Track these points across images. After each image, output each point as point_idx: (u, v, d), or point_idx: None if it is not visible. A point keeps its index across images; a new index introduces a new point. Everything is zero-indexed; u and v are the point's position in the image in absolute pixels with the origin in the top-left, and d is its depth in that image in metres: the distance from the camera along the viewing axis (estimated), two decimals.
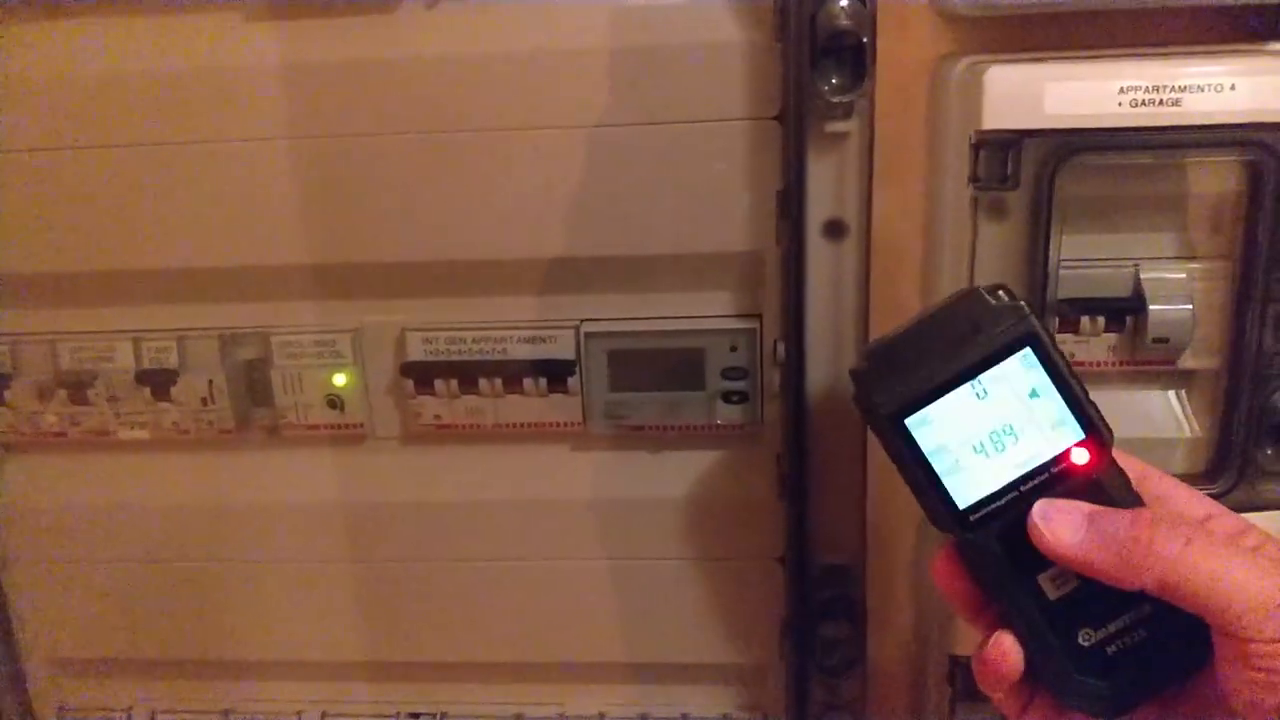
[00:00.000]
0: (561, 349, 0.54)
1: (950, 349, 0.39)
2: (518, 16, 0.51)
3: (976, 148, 0.52)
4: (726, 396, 0.55)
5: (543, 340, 0.54)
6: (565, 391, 0.55)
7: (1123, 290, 0.55)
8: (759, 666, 0.59)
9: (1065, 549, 0.37)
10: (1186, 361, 0.56)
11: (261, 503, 0.60)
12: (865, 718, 0.56)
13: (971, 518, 0.39)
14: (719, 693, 0.61)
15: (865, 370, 0.40)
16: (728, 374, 0.54)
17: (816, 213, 0.50)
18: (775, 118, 0.50)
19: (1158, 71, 0.49)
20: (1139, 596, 0.37)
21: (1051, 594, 0.39)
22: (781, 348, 0.52)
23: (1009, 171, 0.52)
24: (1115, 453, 0.40)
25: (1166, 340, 0.55)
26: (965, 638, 0.59)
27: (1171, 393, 0.57)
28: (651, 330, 0.55)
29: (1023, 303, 0.40)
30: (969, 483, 0.39)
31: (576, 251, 0.54)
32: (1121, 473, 0.40)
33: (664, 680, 0.61)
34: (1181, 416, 0.57)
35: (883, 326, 0.62)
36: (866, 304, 0.51)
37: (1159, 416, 0.57)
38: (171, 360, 0.57)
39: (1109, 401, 0.57)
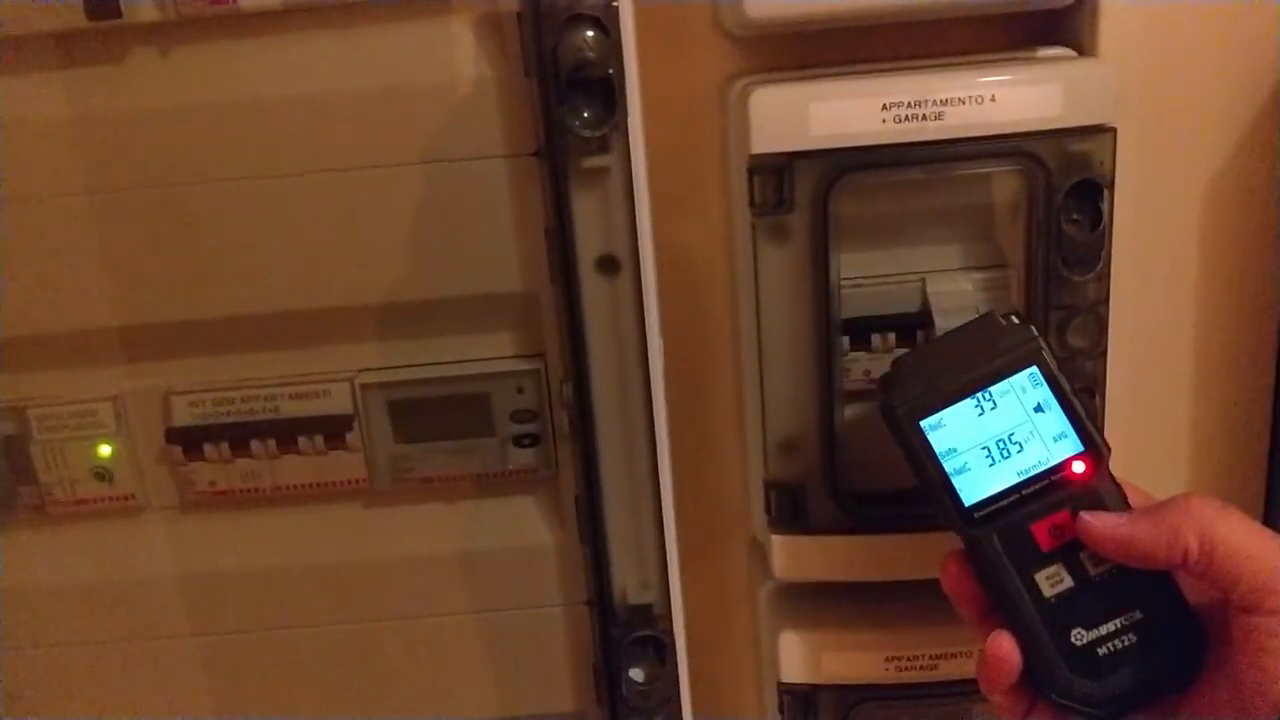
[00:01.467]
0: (337, 403, 0.52)
1: (966, 363, 0.44)
2: (270, 62, 0.49)
3: (750, 172, 0.51)
4: (518, 440, 0.53)
5: (316, 395, 0.52)
6: (345, 447, 0.52)
7: (910, 305, 0.55)
8: (579, 713, 0.58)
9: (1111, 526, 0.40)
10: None
11: (33, 584, 0.56)
12: None
13: (976, 514, 0.43)
14: None
15: (890, 378, 0.45)
16: (516, 417, 0.53)
17: (587, 249, 0.48)
18: (535, 154, 0.49)
19: (919, 86, 0.49)
20: (1134, 601, 0.41)
21: (1047, 591, 0.42)
22: (567, 387, 0.51)
23: (784, 195, 0.51)
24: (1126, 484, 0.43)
25: None
26: (792, 664, 0.58)
27: None
28: (433, 377, 0.52)
29: (1032, 328, 0.45)
30: (976, 483, 0.43)
31: (348, 300, 0.52)
32: (1118, 487, 0.43)
33: None
34: None
35: (697, 353, 0.61)
36: (645, 337, 0.49)
37: None
38: None
39: None
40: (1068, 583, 0.42)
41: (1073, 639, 0.41)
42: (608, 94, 0.46)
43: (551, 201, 0.48)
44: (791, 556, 0.56)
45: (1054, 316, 0.52)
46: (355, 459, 0.52)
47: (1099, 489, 0.42)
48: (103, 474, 0.53)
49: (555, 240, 0.48)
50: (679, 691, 0.54)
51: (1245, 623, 0.37)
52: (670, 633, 0.53)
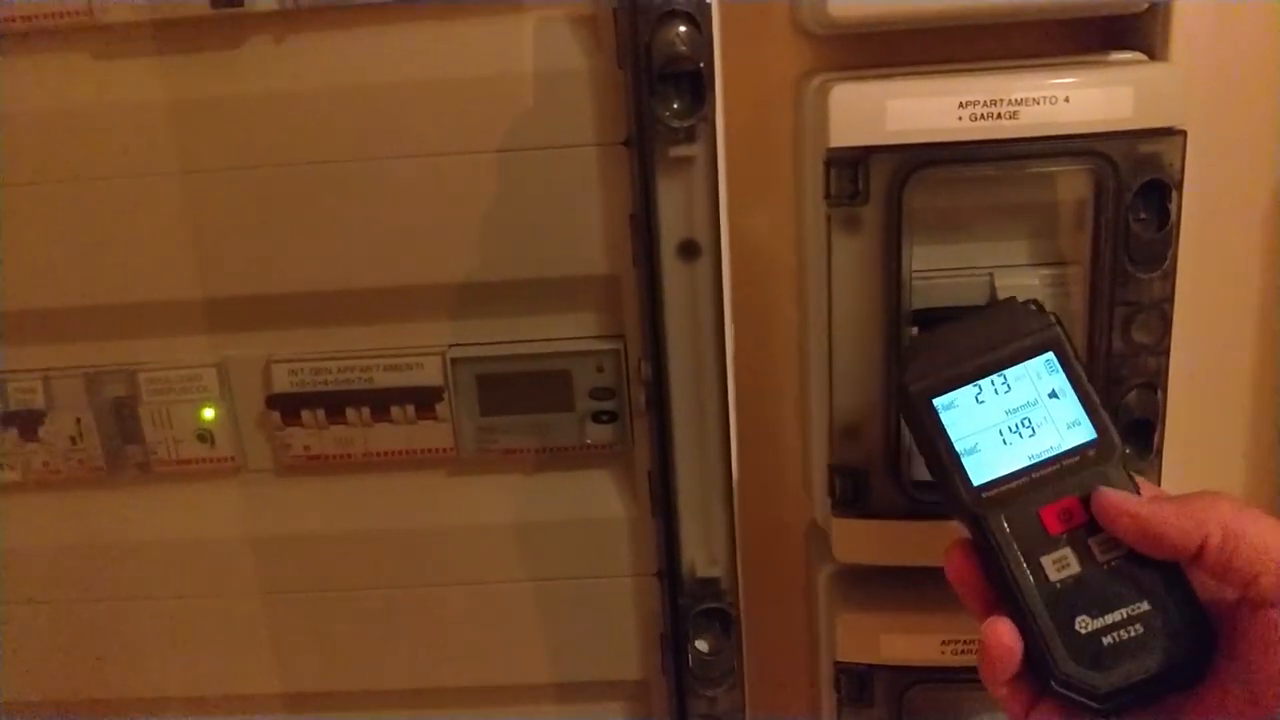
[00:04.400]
0: (429, 375, 0.55)
1: (983, 346, 0.44)
2: (375, 50, 0.52)
3: (828, 164, 0.53)
4: (596, 416, 0.55)
5: (409, 367, 0.55)
6: (434, 418, 0.55)
7: (978, 299, 0.56)
8: (644, 681, 0.60)
9: (1136, 505, 0.40)
10: None
11: (138, 539, 0.59)
12: None
13: (985, 495, 0.42)
14: (607, 709, 0.61)
15: (906, 356, 0.45)
16: (595, 394, 0.55)
17: (669, 234, 0.51)
18: (623, 143, 0.51)
19: (995, 86, 0.51)
20: (1142, 592, 0.40)
21: (1053, 575, 0.41)
22: (645, 366, 0.53)
23: (859, 187, 0.53)
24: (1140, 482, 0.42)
25: None
26: (849, 644, 0.60)
27: None
28: (518, 354, 0.55)
29: (1052, 315, 0.44)
30: (986, 463, 0.42)
31: (440, 278, 0.54)
32: (1130, 477, 0.42)
33: (553, 700, 0.62)
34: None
35: (760, 339, 0.63)
36: (722, 320, 0.51)
37: None
38: (38, 401, 0.56)
39: None
40: (1074, 568, 0.41)
41: (1077, 626, 0.40)
42: (696, 87, 0.48)
43: (638, 188, 0.50)
44: (852, 539, 0.58)
45: (1119, 312, 0.54)
46: (443, 429, 0.55)
47: (1111, 477, 0.42)
48: (205, 436, 0.56)
49: (640, 225, 0.51)
50: (740, 665, 0.56)
51: (1265, 617, 0.36)
52: (736, 606, 0.55)
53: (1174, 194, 0.52)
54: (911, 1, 0.50)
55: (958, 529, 0.45)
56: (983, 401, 0.43)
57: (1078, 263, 0.55)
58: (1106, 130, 0.51)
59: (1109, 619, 0.40)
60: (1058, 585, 0.41)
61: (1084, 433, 0.42)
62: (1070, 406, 0.43)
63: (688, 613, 0.55)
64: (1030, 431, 0.43)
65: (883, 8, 0.50)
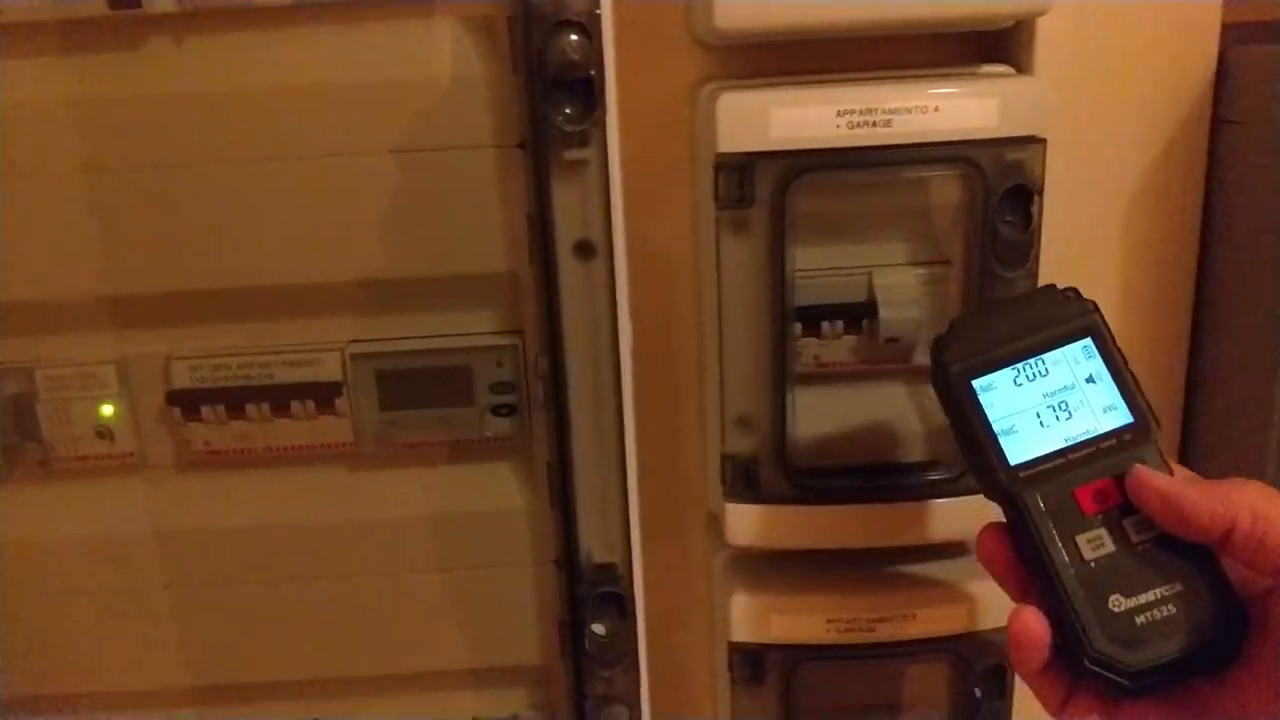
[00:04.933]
0: (328, 371, 0.56)
1: (1022, 330, 0.44)
2: (275, 52, 0.53)
3: (716, 170, 0.56)
4: (495, 410, 0.57)
5: (309, 363, 0.56)
6: (334, 413, 0.56)
7: (858, 296, 0.60)
8: (544, 665, 0.62)
9: (1168, 484, 0.40)
10: (921, 358, 0.61)
11: (37, 537, 0.59)
12: (641, 708, 0.59)
13: (1021, 474, 0.43)
14: (511, 694, 0.63)
15: (946, 338, 0.46)
16: (495, 388, 0.57)
17: (565, 235, 0.53)
18: (520, 146, 0.53)
19: (871, 96, 0.54)
20: (1176, 573, 0.40)
21: (1088, 554, 0.41)
22: (542, 361, 0.55)
23: (745, 192, 0.56)
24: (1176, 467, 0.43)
25: (897, 340, 0.59)
26: (742, 625, 0.63)
27: (908, 388, 0.62)
28: (419, 349, 0.56)
29: (1090, 302, 0.45)
30: (1022, 444, 0.43)
31: (341, 276, 0.56)
32: (1166, 463, 0.43)
33: (457, 686, 0.63)
34: (918, 410, 0.62)
35: (662, 336, 0.66)
36: (616, 317, 0.54)
37: (901, 410, 0.62)
38: None
39: (852, 397, 0.63)
40: (1109, 547, 0.41)
41: (1110, 605, 0.40)
42: (589, 93, 0.50)
43: (533, 190, 0.52)
44: (743, 524, 0.61)
45: None
46: (343, 423, 0.56)
47: (1147, 460, 0.42)
48: (104, 433, 0.57)
49: (536, 226, 0.53)
50: (636, 647, 0.59)
51: None
52: (631, 590, 0.58)
53: (1036, 198, 0.56)
54: (793, 16, 0.53)
55: (988, 514, 0.45)
56: (1020, 384, 0.44)
57: (953, 262, 0.59)
58: (974, 138, 0.54)
59: (1142, 599, 0.40)
60: (1092, 564, 0.41)
61: (1120, 417, 0.43)
62: (1107, 391, 0.43)
63: (585, 598, 0.57)
64: (1067, 414, 0.43)
65: (765, 21, 0.53)
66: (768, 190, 0.55)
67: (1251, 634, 0.39)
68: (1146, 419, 0.43)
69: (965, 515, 0.61)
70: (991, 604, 0.62)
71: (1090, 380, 0.44)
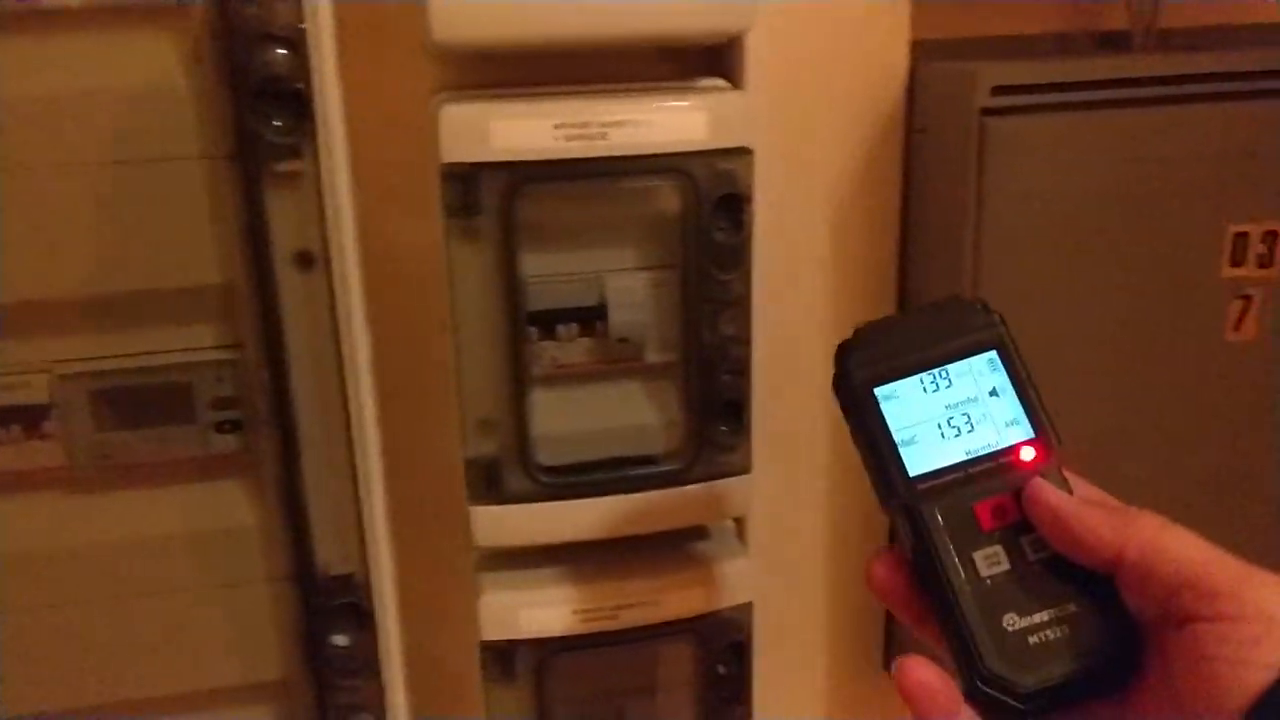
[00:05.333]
0: (33, 394, 0.53)
1: (926, 340, 0.43)
2: None
3: (443, 179, 0.56)
4: (219, 426, 0.56)
5: (12, 386, 0.53)
6: (42, 436, 0.54)
7: (592, 300, 0.62)
8: (287, 681, 0.61)
9: (1062, 501, 0.39)
10: (651, 357, 0.64)
11: None
12: (389, 715, 0.60)
13: (919, 486, 0.41)
14: (254, 711, 0.62)
15: (849, 343, 0.44)
16: (217, 404, 0.56)
17: (283, 246, 0.52)
18: (230, 157, 0.52)
19: (587, 109, 0.56)
20: (1070, 593, 0.39)
21: (984, 571, 0.40)
22: (264, 375, 0.54)
23: (472, 201, 0.57)
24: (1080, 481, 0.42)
25: (628, 340, 0.62)
26: (492, 623, 0.64)
27: (642, 385, 0.65)
28: (133, 367, 0.54)
29: (997, 315, 0.44)
30: (923, 455, 0.42)
31: (47, 294, 0.53)
32: (1064, 480, 0.41)
33: (199, 707, 0.62)
34: (651, 405, 0.65)
35: (413, 343, 0.66)
36: (339, 327, 0.54)
37: (635, 406, 0.65)
38: None
39: (590, 397, 0.65)
40: (1005, 565, 0.40)
41: (1004, 624, 0.39)
42: (301, 105, 0.50)
43: (245, 201, 0.51)
44: (490, 525, 0.62)
45: (708, 309, 0.61)
46: (54, 447, 0.54)
47: (1046, 477, 0.41)
48: None
49: (249, 237, 0.52)
50: (380, 656, 0.59)
51: (1192, 631, 0.35)
52: (370, 599, 0.58)
53: (746, 205, 0.60)
54: (507, 30, 0.54)
55: (871, 545, 0.46)
56: (923, 394, 0.43)
57: (674, 266, 0.62)
58: (685, 150, 0.58)
59: (1036, 618, 0.39)
60: (988, 581, 0.40)
61: (1022, 432, 0.42)
62: (1010, 405, 0.42)
63: (323, 610, 0.57)
64: (969, 427, 0.42)
65: (479, 34, 0.54)
66: (494, 199, 0.57)
67: (1148, 658, 0.38)
68: (1048, 435, 0.42)
69: (699, 502, 0.64)
70: (728, 584, 0.67)
71: (994, 394, 0.43)
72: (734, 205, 0.60)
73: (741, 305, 0.62)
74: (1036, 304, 0.60)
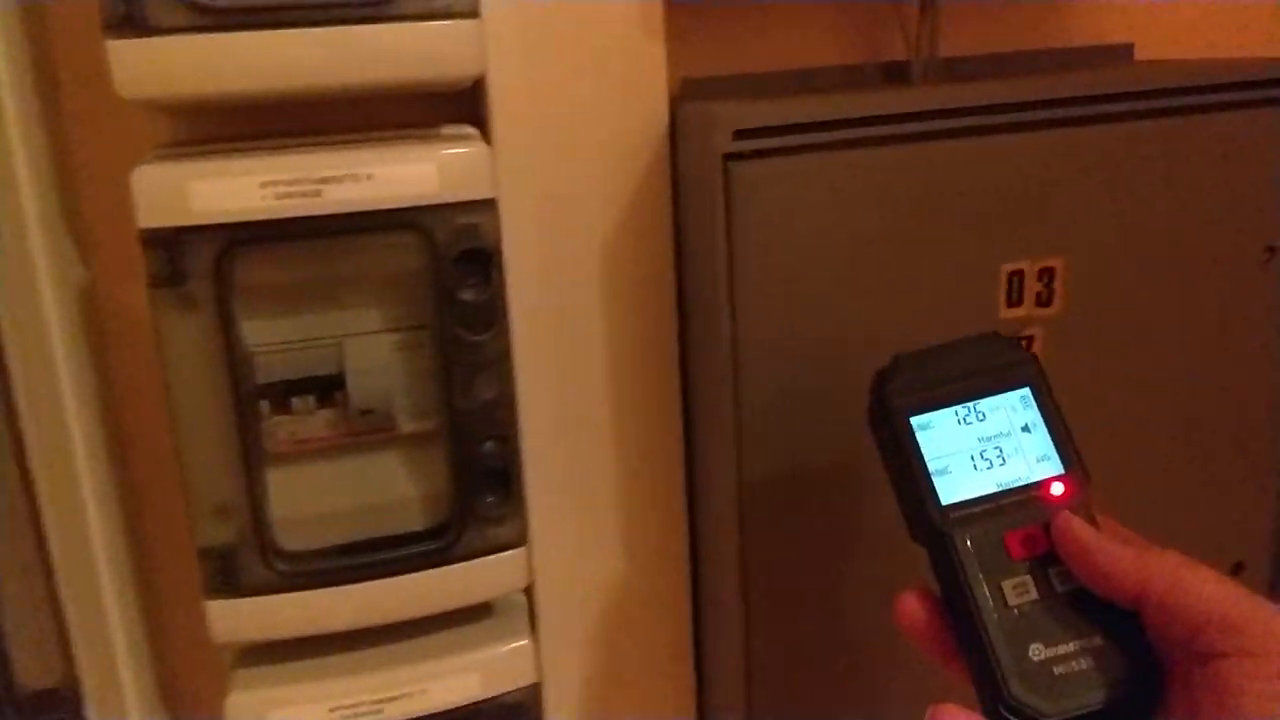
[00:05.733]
0: None
1: (963, 373, 0.44)
2: None
3: (142, 246, 0.51)
4: None
5: None
6: None
7: (331, 368, 0.57)
8: None
9: (1089, 536, 0.40)
10: (406, 426, 0.59)
11: None
12: None
13: (952, 514, 0.42)
14: None
15: (888, 371, 0.45)
16: None
17: None
18: None
19: (298, 165, 0.51)
20: (1096, 626, 0.40)
21: (1012, 600, 0.41)
22: None
23: (175, 268, 0.52)
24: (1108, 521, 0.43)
25: (373, 410, 0.57)
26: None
27: (398, 457, 0.60)
28: None
29: (1033, 353, 0.46)
30: (955, 485, 0.42)
31: None
32: (1093, 517, 0.42)
33: None
34: (409, 478, 0.60)
35: (155, 424, 0.60)
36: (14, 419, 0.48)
37: (391, 480, 0.60)
38: None
39: (340, 474, 0.60)
40: (1032, 595, 0.41)
41: (1030, 654, 0.40)
42: None
43: None
44: (229, 620, 0.57)
45: (461, 372, 0.57)
46: None
47: (1075, 513, 0.42)
48: None
49: None
50: None
51: (1216, 667, 0.36)
52: (81, 710, 0.52)
53: (495, 261, 0.56)
54: (189, 85, 0.49)
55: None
56: (958, 426, 0.44)
57: (423, 327, 0.58)
58: (415, 204, 0.53)
59: (1061, 649, 0.40)
60: (1015, 611, 0.41)
61: (1053, 467, 0.43)
62: (1041, 441, 0.44)
63: None
64: (1001, 460, 0.43)
65: (160, 90, 0.49)
66: (202, 265, 0.52)
67: (1174, 693, 0.39)
68: (1078, 472, 0.43)
69: (467, 580, 0.60)
70: (508, 666, 0.62)
71: (1026, 429, 0.44)
72: (481, 260, 0.56)
73: (499, 367, 0.57)
74: (799, 359, 0.56)
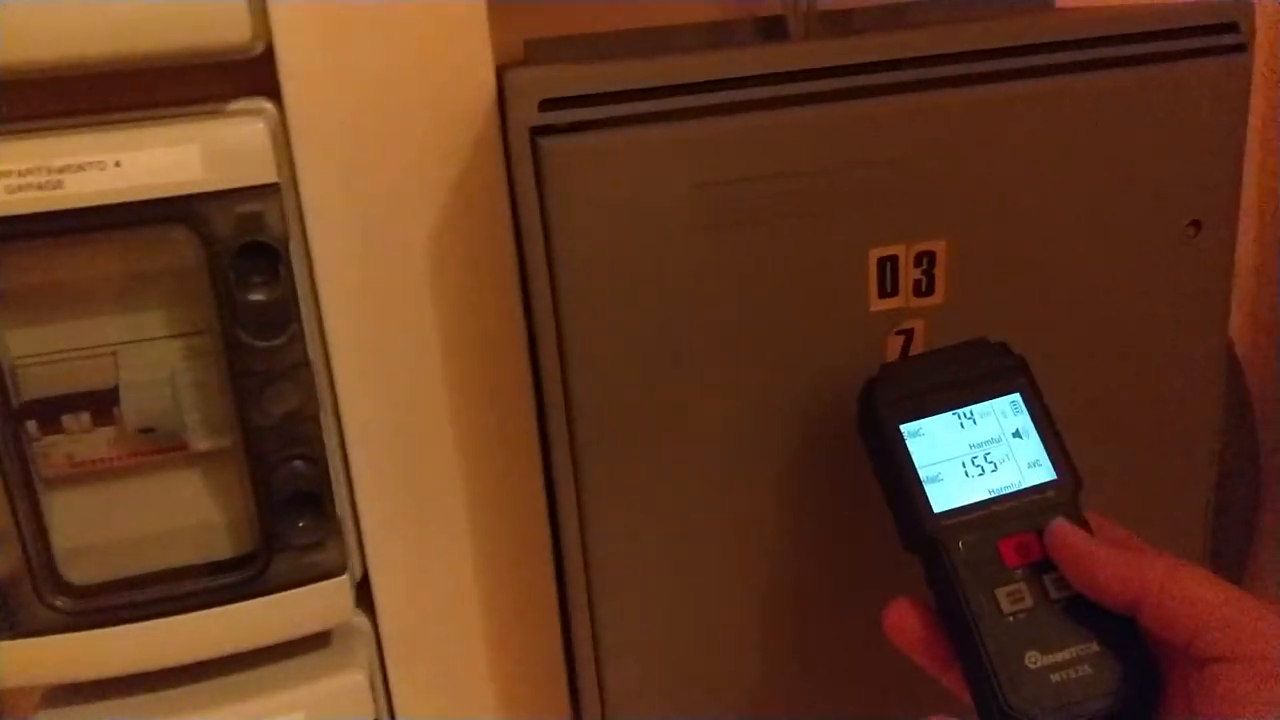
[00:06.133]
0: None
1: (952, 380, 0.44)
2: None
3: None
4: None
5: None
6: None
7: (107, 380, 0.50)
8: None
9: (1082, 542, 0.40)
10: (201, 444, 0.52)
11: None
12: None
13: (944, 523, 0.42)
14: None
15: (877, 379, 0.45)
16: None
17: None
18: None
19: (31, 153, 0.45)
20: (1092, 631, 0.39)
21: (1006, 607, 0.40)
22: None
23: None
24: (1090, 516, 0.43)
25: (153, 429, 0.51)
26: None
27: (198, 478, 0.54)
28: None
29: (1020, 358, 0.45)
30: (947, 492, 0.42)
31: None
32: (1085, 521, 0.42)
33: None
34: (211, 502, 0.54)
35: None
36: None
37: (191, 504, 0.54)
38: None
39: (129, 498, 0.54)
40: (1028, 602, 0.40)
41: (1027, 661, 0.40)
42: None
43: None
44: (11, 664, 0.51)
45: (251, 384, 0.50)
46: None
47: (1068, 518, 0.42)
48: None
49: None
50: None
51: (1214, 672, 0.36)
52: None
53: (284, 253, 0.49)
54: None
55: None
56: (948, 433, 0.43)
57: (206, 332, 0.51)
58: (175, 194, 0.46)
59: (1058, 657, 0.40)
60: (1010, 619, 0.40)
61: (1044, 473, 0.43)
62: (1033, 447, 0.43)
63: None
64: (993, 467, 0.43)
65: None
66: None
67: (1171, 697, 0.39)
68: (1070, 478, 0.43)
69: (280, 614, 0.53)
70: (335, 704, 0.56)
71: (1017, 435, 0.44)
72: (268, 255, 0.49)
73: (296, 375, 0.51)
74: (638, 361, 0.49)
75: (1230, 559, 0.72)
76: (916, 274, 0.51)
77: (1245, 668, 0.35)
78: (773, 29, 0.59)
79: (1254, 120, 0.70)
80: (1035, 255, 0.52)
